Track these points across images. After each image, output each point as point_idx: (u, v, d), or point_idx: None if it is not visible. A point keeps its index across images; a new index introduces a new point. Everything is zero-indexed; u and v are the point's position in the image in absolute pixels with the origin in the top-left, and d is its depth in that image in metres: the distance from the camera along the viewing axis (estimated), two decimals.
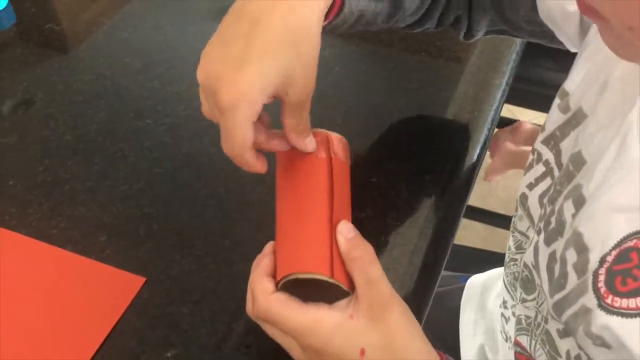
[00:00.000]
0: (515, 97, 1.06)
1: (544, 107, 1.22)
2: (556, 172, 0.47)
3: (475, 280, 0.72)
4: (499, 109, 0.68)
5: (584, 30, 0.49)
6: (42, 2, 0.85)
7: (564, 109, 0.46)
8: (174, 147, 0.64)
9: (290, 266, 0.41)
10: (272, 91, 0.41)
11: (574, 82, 0.46)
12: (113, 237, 0.57)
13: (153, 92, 0.70)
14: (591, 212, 0.39)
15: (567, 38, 0.52)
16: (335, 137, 0.47)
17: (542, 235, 0.44)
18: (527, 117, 1.52)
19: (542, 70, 1.05)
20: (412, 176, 0.60)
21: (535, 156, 0.50)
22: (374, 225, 0.56)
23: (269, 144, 0.45)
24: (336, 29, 0.50)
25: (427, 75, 0.70)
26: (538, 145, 0.49)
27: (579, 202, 0.40)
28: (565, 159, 0.45)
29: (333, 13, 0.46)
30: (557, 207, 0.43)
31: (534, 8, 0.53)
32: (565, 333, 0.43)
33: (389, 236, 0.56)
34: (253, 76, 0.40)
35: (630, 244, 0.35)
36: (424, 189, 0.59)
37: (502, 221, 1.42)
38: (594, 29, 0.47)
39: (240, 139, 0.42)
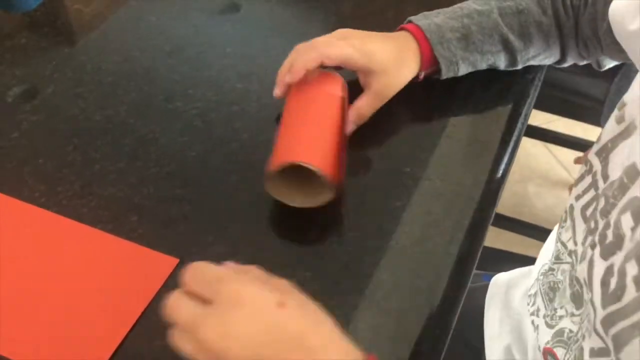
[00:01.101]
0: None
1: (566, 111, 1.22)
2: (600, 184, 0.46)
3: (500, 279, 0.72)
4: (531, 103, 0.67)
5: None
6: None
7: (619, 119, 0.46)
8: (205, 132, 0.64)
9: (292, 155, 0.52)
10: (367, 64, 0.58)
11: (633, 93, 0.46)
12: (144, 218, 0.56)
13: (183, 76, 0.70)
14: None
15: (635, 55, 0.51)
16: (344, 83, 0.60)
17: (597, 249, 0.43)
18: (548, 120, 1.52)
19: (566, 74, 1.05)
20: (445, 167, 0.60)
21: (588, 167, 0.49)
22: (409, 214, 0.56)
23: None
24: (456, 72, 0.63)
25: None
26: (592, 156, 0.49)
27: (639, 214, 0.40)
28: (612, 170, 0.45)
29: (424, 68, 0.62)
30: (612, 220, 0.42)
31: (609, 28, 0.56)
32: (599, 353, 0.43)
33: (424, 227, 0.55)
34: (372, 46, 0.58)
35: None
36: (457, 180, 0.59)
37: (508, 223, 1.42)
38: None
39: (321, 53, 0.57)
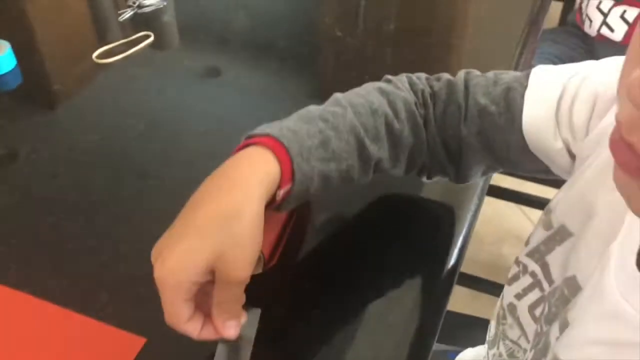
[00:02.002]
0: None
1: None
2: (545, 285, 0.48)
3: (465, 357, 0.73)
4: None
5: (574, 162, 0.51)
6: (49, 64, 0.88)
7: (547, 225, 0.48)
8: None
9: None
10: (203, 268, 0.43)
11: (556, 200, 0.49)
12: (114, 297, 0.57)
13: (156, 154, 0.72)
14: (572, 339, 0.40)
15: (561, 170, 0.53)
16: None
17: (532, 353, 0.46)
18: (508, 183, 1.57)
19: None
20: (405, 240, 0.62)
21: (521, 268, 0.51)
22: (371, 289, 0.58)
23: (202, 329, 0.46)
24: (309, 195, 0.50)
25: None
26: (523, 258, 0.51)
27: (563, 326, 0.41)
28: (555, 275, 0.47)
29: (285, 183, 0.47)
30: (548, 329, 0.44)
31: (525, 147, 0.53)
32: None
33: (386, 301, 0.57)
34: (181, 254, 0.44)
35: None
36: (416, 255, 0.61)
37: (484, 285, 1.44)
38: (578, 160, 0.49)
39: (171, 315, 0.44)
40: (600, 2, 1.31)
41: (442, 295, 0.59)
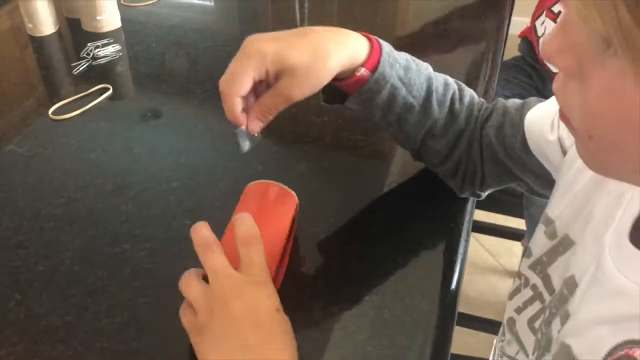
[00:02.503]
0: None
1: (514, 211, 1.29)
2: (546, 296, 0.49)
3: None
4: (470, 219, 0.71)
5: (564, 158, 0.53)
6: (3, 124, 0.83)
7: (551, 235, 0.49)
8: (155, 273, 0.62)
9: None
10: (274, 63, 0.52)
11: (558, 209, 0.50)
12: None
13: (128, 216, 0.68)
14: (576, 325, 0.41)
15: (553, 168, 0.56)
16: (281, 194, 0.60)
17: (534, 356, 0.46)
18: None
19: None
20: (401, 294, 0.61)
21: (523, 281, 0.52)
22: (372, 345, 0.56)
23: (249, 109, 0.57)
24: (371, 107, 0.59)
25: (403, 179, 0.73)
26: (525, 270, 0.52)
27: (564, 318, 0.42)
28: (556, 283, 0.48)
29: (367, 67, 0.56)
30: (551, 329, 0.45)
31: (526, 141, 0.59)
32: None
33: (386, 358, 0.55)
34: (275, 44, 0.53)
35: (621, 352, 0.37)
36: (414, 307, 0.60)
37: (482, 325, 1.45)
38: (567, 159, 0.51)
39: (240, 82, 0.52)
40: None
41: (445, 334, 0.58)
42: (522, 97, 1.44)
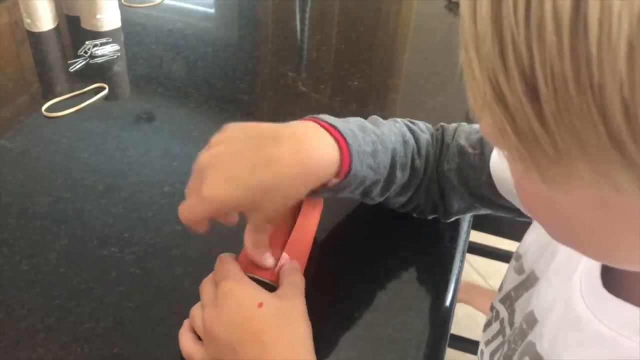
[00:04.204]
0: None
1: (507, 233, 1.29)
2: (507, 330, 0.48)
3: None
4: (466, 238, 0.70)
5: None
6: None
7: (519, 270, 0.49)
8: (143, 279, 0.61)
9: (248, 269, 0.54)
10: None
11: (526, 245, 0.50)
12: None
13: (118, 218, 0.67)
14: None
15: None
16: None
17: None
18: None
19: None
20: (395, 312, 0.60)
21: (494, 314, 0.52)
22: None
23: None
24: (339, 192, 0.56)
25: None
26: (496, 303, 0.52)
27: (536, 358, 0.41)
28: (517, 318, 0.47)
29: (343, 172, 0.53)
30: None
31: (493, 184, 0.58)
32: None
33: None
34: (235, 194, 0.49)
35: None
36: (407, 325, 0.59)
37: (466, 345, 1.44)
38: None
39: (193, 223, 0.52)
40: None
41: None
42: None
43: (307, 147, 0.51)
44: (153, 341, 0.55)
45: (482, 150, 0.59)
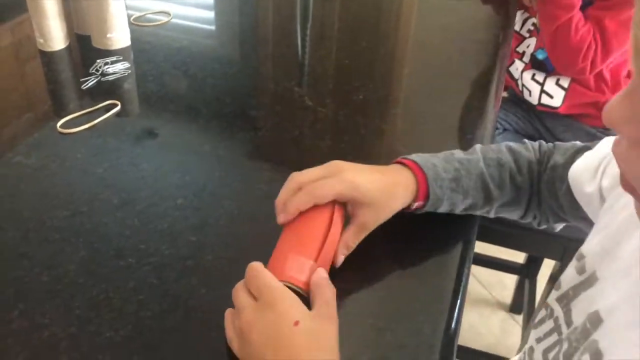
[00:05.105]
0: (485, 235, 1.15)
1: (509, 242, 1.31)
2: (564, 329, 0.50)
3: None
4: (472, 247, 0.72)
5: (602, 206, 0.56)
6: (9, 135, 0.84)
7: (580, 270, 0.51)
8: (160, 289, 0.62)
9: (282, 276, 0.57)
10: (360, 196, 0.61)
11: (590, 246, 0.52)
12: None
13: (134, 230, 0.69)
14: None
15: (593, 214, 0.60)
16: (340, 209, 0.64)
17: None
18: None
19: None
20: (404, 318, 0.61)
21: (548, 312, 0.53)
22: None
23: None
24: (438, 208, 0.67)
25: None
26: (552, 302, 0.53)
27: (596, 356, 0.43)
28: (576, 318, 0.49)
29: (420, 199, 0.65)
30: None
31: (569, 189, 0.65)
32: None
33: None
34: (362, 179, 0.62)
35: None
36: (417, 330, 0.60)
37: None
38: (607, 204, 0.53)
39: (324, 196, 0.61)
40: (534, 74, 1.40)
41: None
42: (523, 129, 1.48)
43: (399, 171, 0.66)
44: (171, 349, 0.57)
45: (572, 161, 0.66)
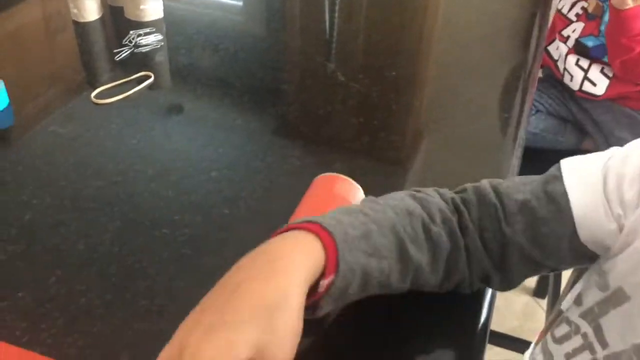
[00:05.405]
0: None
1: None
2: (597, 348, 0.48)
3: None
4: None
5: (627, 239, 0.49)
6: (44, 104, 0.84)
7: (602, 287, 0.49)
8: (194, 260, 0.63)
9: None
10: None
11: (612, 262, 0.49)
12: (136, 358, 0.54)
13: (168, 201, 0.69)
14: None
15: (606, 249, 0.52)
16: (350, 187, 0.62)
17: None
18: None
19: None
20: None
21: (573, 328, 0.51)
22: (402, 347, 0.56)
23: None
24: (347, 296, 0.48)
25: None
26: (576, 318, 0.51)
27: None
28: (611, 339, 0.47)
29: (329, 274, 0.45)
30: None
31: (574, 235, 0.51)
32: None
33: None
34: (216, 350, 0.38)
35: None
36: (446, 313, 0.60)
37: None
38: (624, 232, 0.48)
39: None
40: (578, 60, 1.36)
41: (476, 352, 0.57)
42: (557, 112, 1.44)
43: (274, 269, 0.43)
44: None
45: (551, 199, 0.52)
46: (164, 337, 0.55)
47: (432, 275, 0.52)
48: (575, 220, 0.50)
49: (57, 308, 0.57)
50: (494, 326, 1.55)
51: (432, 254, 0.51)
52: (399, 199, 0.53)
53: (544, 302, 1.73)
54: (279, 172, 0.74)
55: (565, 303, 0.56)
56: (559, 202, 0.51)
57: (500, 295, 1.86)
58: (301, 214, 0.60)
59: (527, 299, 1.77)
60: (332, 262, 0.45)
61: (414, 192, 0.55)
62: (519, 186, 0.54)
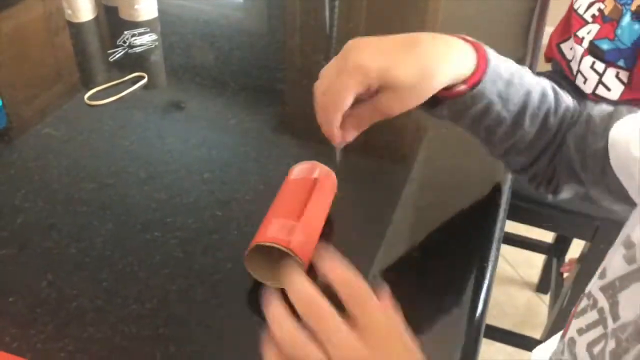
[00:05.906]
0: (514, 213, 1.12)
1: (539, 221, 1.28)
2: (609, 322, 0.46)
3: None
4: (502, 227, 0.70)
5: None
6: (38, 106, 0.84)
7: (630, 260, 0.46)
8: (186, 262, 0.63)
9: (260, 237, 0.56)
10: (379, 80, 0.51)
11: None
12: None
13: (160, 204, 0.69)
14: None
15: (636, 187, 0.53)
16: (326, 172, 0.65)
17: None
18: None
19: None
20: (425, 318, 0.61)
21: (591, 302, 0.49)
22: None
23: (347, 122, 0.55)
24: (461, 115, 0.59)
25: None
26: (595, 291, 0.49)
27: None
28: (624, 311, 0.45)
29: (468, 84, 0.55)
30: None
31: (606, 156, 0.57)
32: None
33: None
34: (380, 60, 0.51)
35: None
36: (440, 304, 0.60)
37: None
38: None
39: (343, 99, 0.52)
40: (594, 63, 1.32)
41: (471, 347, 0.57)
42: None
43: (448, 42, 0.55)
44: (196, 322, 0.57)
45: (608, 122, 0.58)
46: (155, 341, 0.55)
47: (523, 155, 0.63)
48: (609, 140, 0.56)
49: (47, 313, 0.57)
50: (496, 322, 1.55)
51: (537, 136, 0.60)
52: (544, 83, 0.61)
53: (546, 298, 1.72)
54: (272, 173, 0.74)
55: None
56: (610, 119, 0.58)
57: (502, 291, 1.86)
58: (283, 199, 0.62)
59: (529, 295, 1.76)
60: (477, 77, 0.55)
61: (556, 86, 0.63)
62: (605, 108, 0.61)
